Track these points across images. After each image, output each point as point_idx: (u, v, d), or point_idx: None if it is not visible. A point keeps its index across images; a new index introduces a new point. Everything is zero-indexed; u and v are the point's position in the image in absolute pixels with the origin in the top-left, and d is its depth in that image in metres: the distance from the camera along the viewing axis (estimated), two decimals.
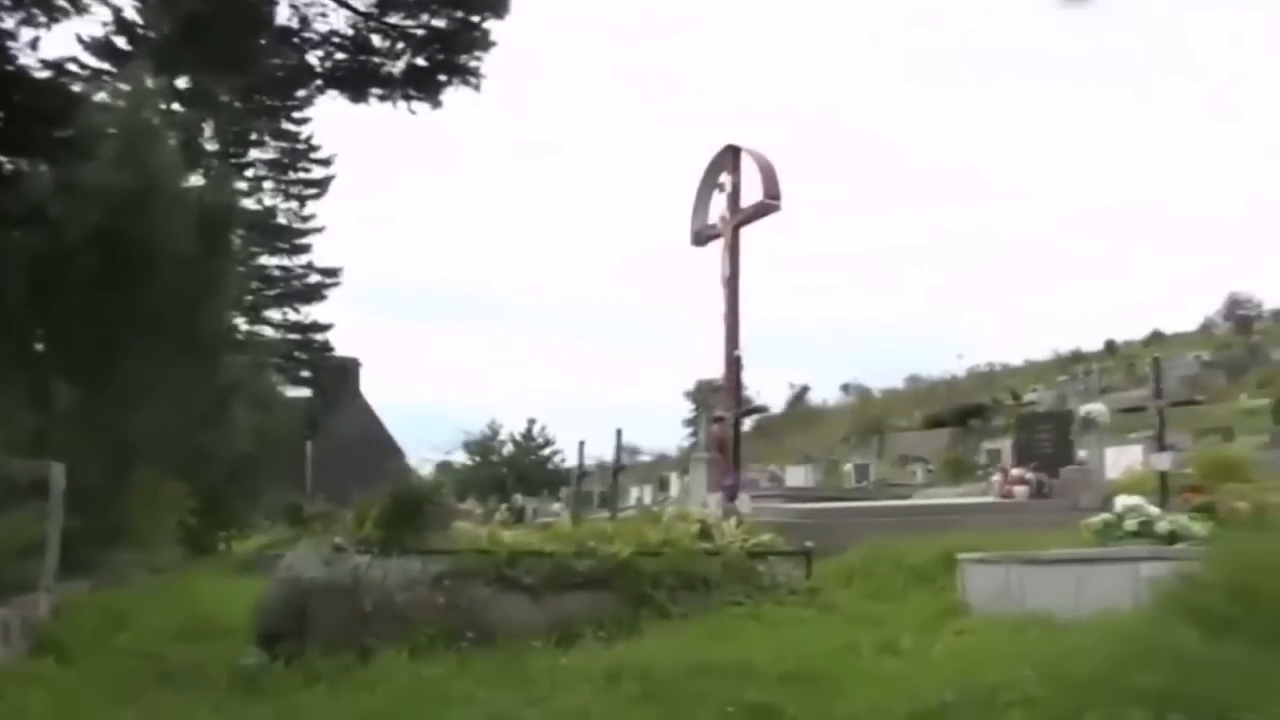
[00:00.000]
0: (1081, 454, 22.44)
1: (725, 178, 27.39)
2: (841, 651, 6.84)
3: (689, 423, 36.32)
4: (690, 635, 7.70)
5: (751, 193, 26.53)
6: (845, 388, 66.42)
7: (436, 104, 15.63)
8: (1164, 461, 12.00)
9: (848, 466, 35.98)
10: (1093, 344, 60.36)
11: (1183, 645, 4.31)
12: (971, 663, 5.89)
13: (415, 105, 15.55)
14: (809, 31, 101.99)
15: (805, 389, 68.44)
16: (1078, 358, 57.62)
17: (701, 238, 27.40)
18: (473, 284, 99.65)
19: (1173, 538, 7.34)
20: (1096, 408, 15.43)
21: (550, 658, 7.20)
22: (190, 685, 7.51)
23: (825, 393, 68.59)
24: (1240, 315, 59.78)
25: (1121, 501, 7.88)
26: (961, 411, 40.98)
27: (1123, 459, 19.59)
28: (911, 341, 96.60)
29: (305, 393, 35.33)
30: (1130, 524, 7.57)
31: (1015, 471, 14.95)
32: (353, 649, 7.46)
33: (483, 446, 47.74)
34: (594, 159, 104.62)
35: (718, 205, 27.40)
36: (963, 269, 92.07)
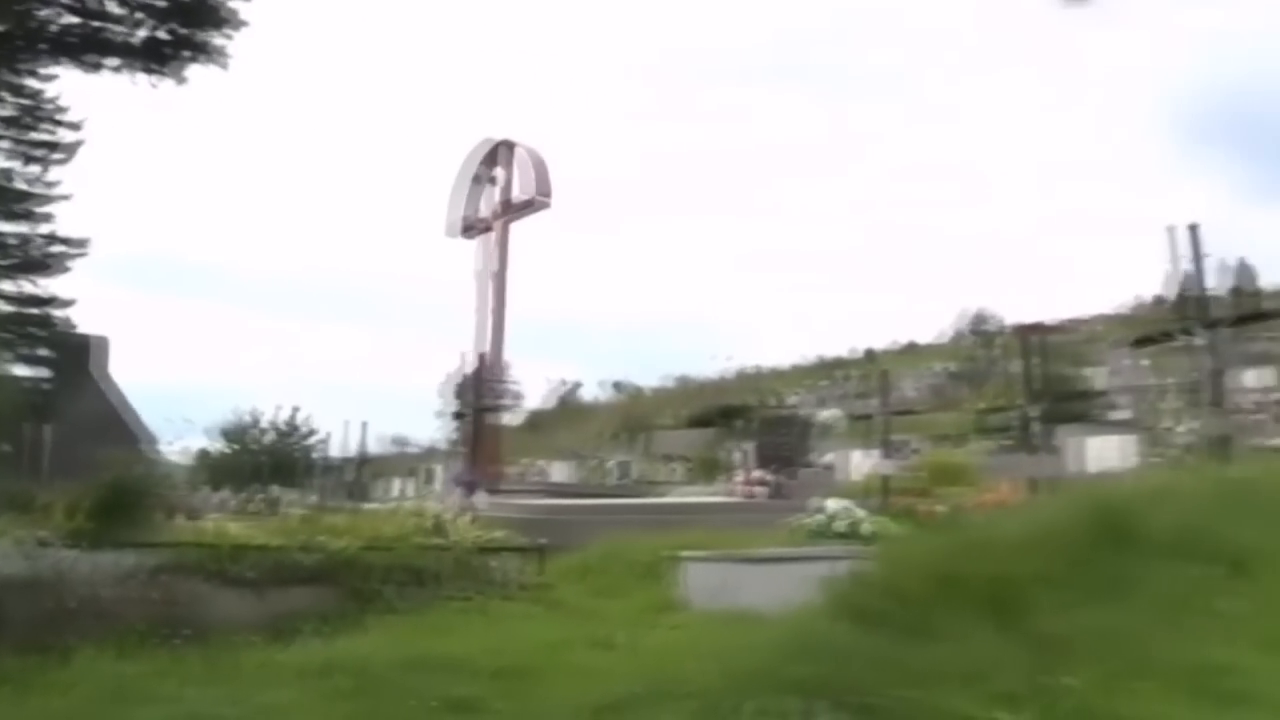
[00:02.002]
0: (828, 457, 23.72)
1: (497, 171, 27.51)
2: (556, 646, 7.04)
3: (441, 415, 35.94)
4: (412, 630, 7.75)
5: (522, 188, 26.78)
6: (615, 385, 67.41)
7: (180, 80, 14.93)
8: (886, 466, 12.84)
9: (610, 463, 36.59)
10: (853, 351, 63.27)
11: (838, 638, 4.68)
12: (672, 656, 6.22)
13: (157, 79, 14.79)
14: (591, 28, 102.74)
15: (576, 385, 69.04)
16: (838, 364, 60.26)
17: (466, 229, 27.37)
18: (244, 264, 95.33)
19: (874, 538, 7.93)
20: (832, 414, 16.33)
21: (266, 654, 7.08)
22: None
23: (596, 389, 69.39)
24: (983, 330, 64.17)
25: (830, 504, 8.42)
26: (723, 412, 42.22)
27: (867, 462, 20.87)
28: (681, 342, 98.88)
29: (40, 372, 33.02)
30: (838, 525, 8.10)
31: (755, 473, 15.66)
32: (52, 649, 7.10)
33: (241, 433, 45.80)
34: (368, 145, 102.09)
35: (486, 197, 27.52)
36: (734, 272, 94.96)
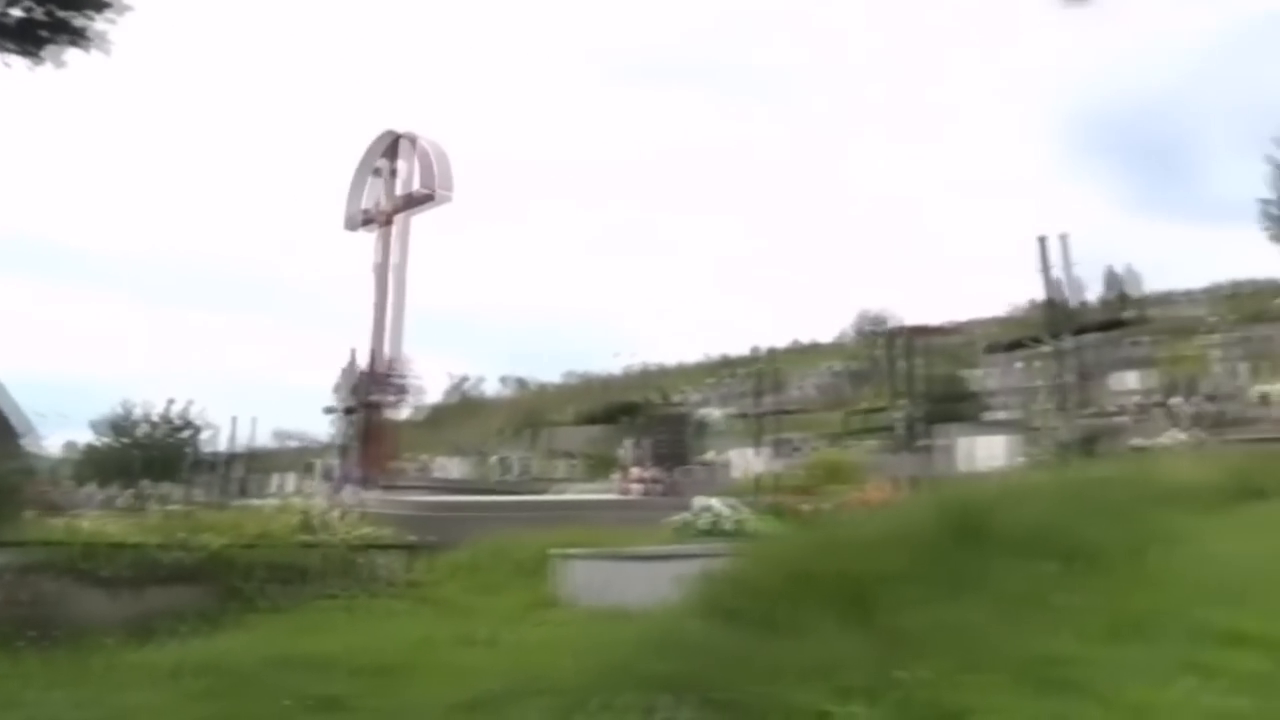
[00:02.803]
0: (718, 455, 23.96)
1: (397, 164, 27.11)
2: (428, 643, 7.02)
3: (329, 411, 35.41)
4: (284, 628, 7.65)
5: (422, 181, 26.44)
6: (513, 381, 67.16)
7: (59, 64, 14.28)
8: (771, 464, 13.04)
9: (505, 459, 36.42)
10: (751, 350, 63.96)
11: (698, 634, 4.76)
12: (542, 653, 6.24)
13: (32, 63, 14.10)
14: (490, 22, 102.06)
15: (474, 380, 68.57)
16: (727, 363, 60.87)
17: (365, 222, 26.92)
18: (134, 253, 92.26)
19: (749, 536, 8.04)
20: (713, 412, 16.54)
21: (134, 654, 6.93)
22: None
23: (494, 385, 69.00)
24: (870, 330, 65.50)
25: (708, 502, 8.51)
26: (619, 409, 42.36)
27: (755, 460, 21.17)
28: (581, 338, 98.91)
29: None
30: (713, 522, 8.19)
31: (637, 470, 15.73)
32: None
33: (116, 426, 44.30)
34: (267, 135, 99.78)
35: (385, 190, 27.10)
36: (627, 268, 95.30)
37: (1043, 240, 16.51)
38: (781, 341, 65.75)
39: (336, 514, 9.89)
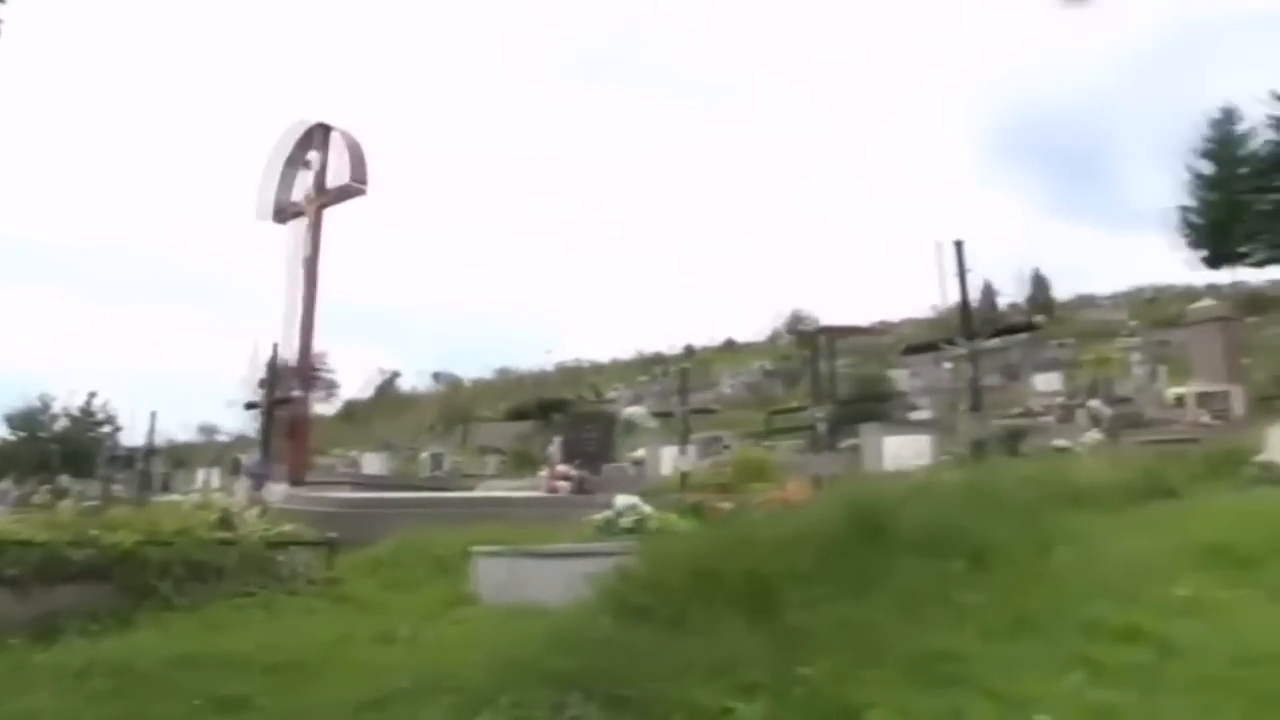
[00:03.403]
0: (639, 452, 24.05)
1: (312, 155, 26.74)
2: (336, 642, 6.96)
3: (238, 405, 34.93)
4: (189, 627, 7.54)
5: (339, 174, 26.15)
6: (435, 375, 66.66)
7: None
8: (685, 462, 13.14)
9: (424, 455, 36.18)
10: (676, 348, 64.31)
11: (600, 631, 4.81)
12: (449, 650, 6.24)
13: None
14: (415, 20, 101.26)
15: (395, 374, 67.91)
16: (659, 360, 61.09)
17: (279, 213, 26.53)
18: (49, 243, 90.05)
19: (658, 534, 8.11)
20: (637, 410, 16.64)
21: (23, 655, 6.76)
22: None
23: (418, 380, 68.45)
24: (799, 330, 66.10)
25: (618, 500, 8.58)
26: (543, 405, 42.29)
27: (676, 458, 21.30)
28: (506, 333, 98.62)
29: None
30: (624, 521, 8.25)
31: (560, 467, 15.76)
32: None
33: (29, 420, 43.25)
34: (180, 123, 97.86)
35: (300, 181, 26.74)
36: (560, 265, 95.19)
37: (958, 244, 16.91)
38: (714, 340, 66.31)
39: (255, 511, 9.78)
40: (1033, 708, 3.86)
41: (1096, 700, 3.90)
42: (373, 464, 33.30)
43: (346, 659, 6.43)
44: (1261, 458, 16.15)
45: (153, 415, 29.93)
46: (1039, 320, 47.97)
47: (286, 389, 19.12)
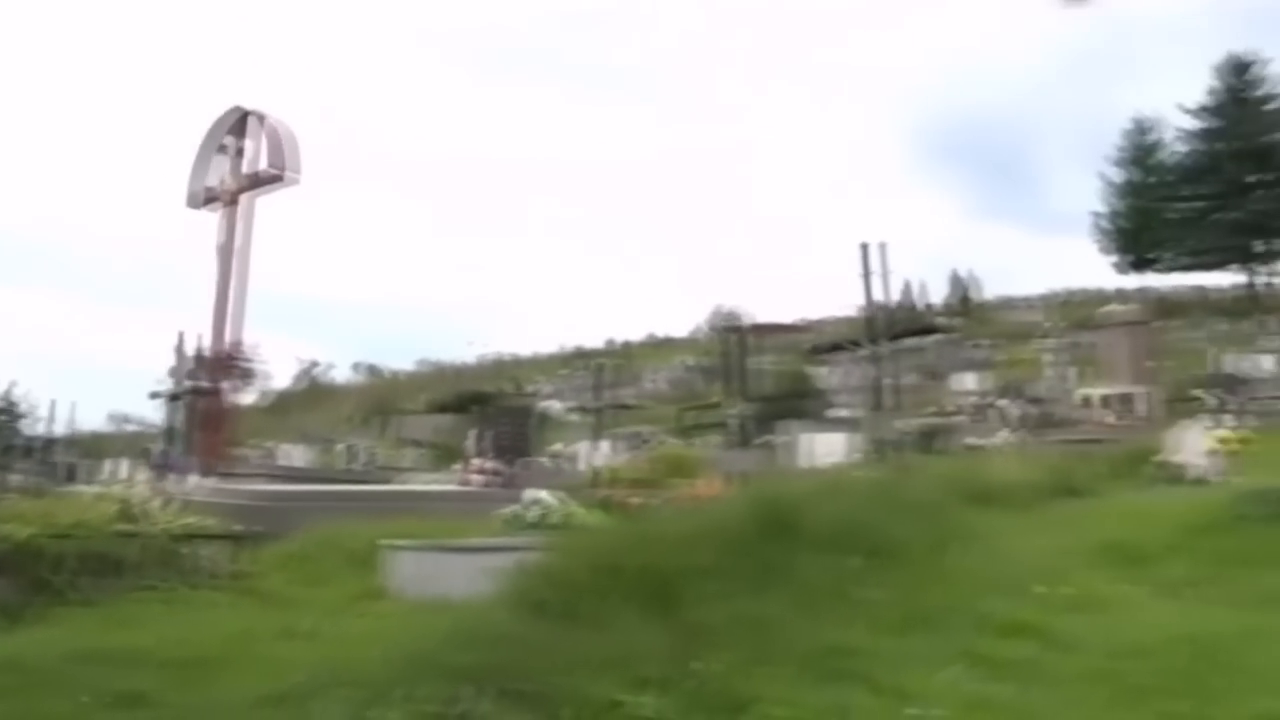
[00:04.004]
0: (558, 446, 24.06)
1: (244, 141, 26.29)
2: (244, 636, 6.87)
3: (159, 394, 34.29)
4: (94, 622, 7.37)
5: (268, 160, 25.74)
6: (363, 367, 65.99)
7: None
8: (601, 457, 13.18)
9: (349, 447, 35.80)
10: (607, 343, 64.47)
11: (504, 626, 4.84)
12: (358, 645, 6.19)
13: None
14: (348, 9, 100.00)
15: (316, 364, 66.97)
16: (582, 354, 61.13)
17: (208, 200, 26.05)
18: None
19: (572, 529, 8.16)
20: (554, 404, 16.65)
21: None
22: None
23: (340, 371, 67.64)
24: (725, 327, 66.48)
25: (529, 495, 8.60)
26: (466, 398, 42.04)
27: (599, 454, 21.36)
28: (430, 325, 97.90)
29: None
30: (533, 516, 8.27)
31: (477, 461, 15.73)
32: None
33: None
34: (103, 107, 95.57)
35: (230, 169, 26.27)
36: (483, 257, 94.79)
37: (864, 247, 17.29)
38: (638, 335, 66.47)
39: (158, 502, 9.58)
40: (913, 701, 3.97)
41: (974, 693, 4.03)
42: (291, 456, 32.85)
43: (247, 654, 6.35)
44: (1161, 458, 16.69)
45: (72, 405, 29.25)
46: (944, 323, 49.02)
47: (206, 378, 18.80)
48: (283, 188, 24.40)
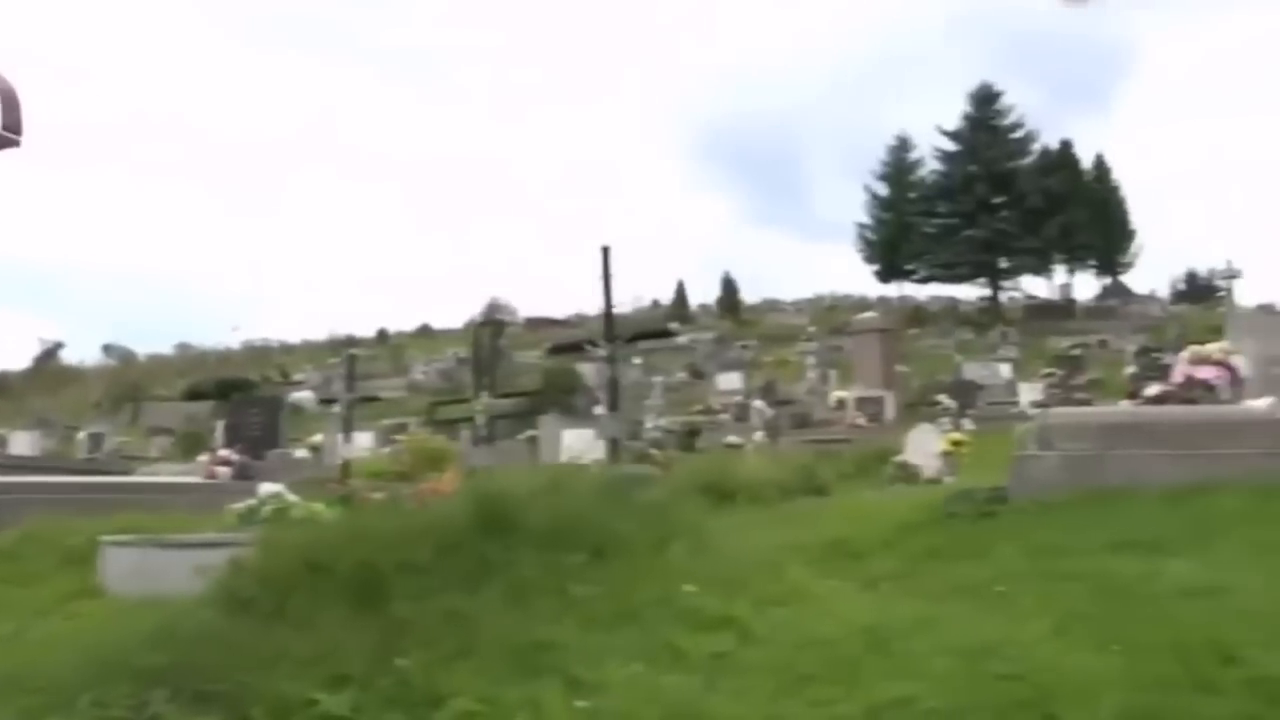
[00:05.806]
0: (318, 437, 23.48)
1: None
2: None
3: None
4: None
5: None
6: (106, 348, 62.10)
7: None
8: (350, 449, 12.98)
9: (83, 435, 33.68)
10: (372, 331, 63.21)
11: (199, 624, 4.71)
12: (54, 647, 5.89)
13: None
14: None
15: (59, 345, 62.55)
16: (351, 343, 59.72)
17: None
18: None
19: (302, 524, 7.98)
20: (305, 395, 16.26)
21: None
22: None
23: (87, 352, 63.43)
24: (496, 319, 66.39)
25: (264, 488, 8.38)
26: (223, 385, 40.35)
27: (351, 447, 20.93)
28: (188, 307, 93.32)
29: None
30: (266, 510, 8.07)
31: (221, 452, 15.17)
32: None
33: None
34: None
35: None
36: (248, 239, 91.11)
37: (606, 250, 17.94)
38: (413, 326, 65.51)
39: None
40: (597, 693, 4.12)
41: (657, 684, 4.21)
42: (22, 443, 30.56)
43: None
44: (900, 458, 17.84)
45: None
46: (674, 326, 50.91)
47: None
48: (3, 149, 22.75)
